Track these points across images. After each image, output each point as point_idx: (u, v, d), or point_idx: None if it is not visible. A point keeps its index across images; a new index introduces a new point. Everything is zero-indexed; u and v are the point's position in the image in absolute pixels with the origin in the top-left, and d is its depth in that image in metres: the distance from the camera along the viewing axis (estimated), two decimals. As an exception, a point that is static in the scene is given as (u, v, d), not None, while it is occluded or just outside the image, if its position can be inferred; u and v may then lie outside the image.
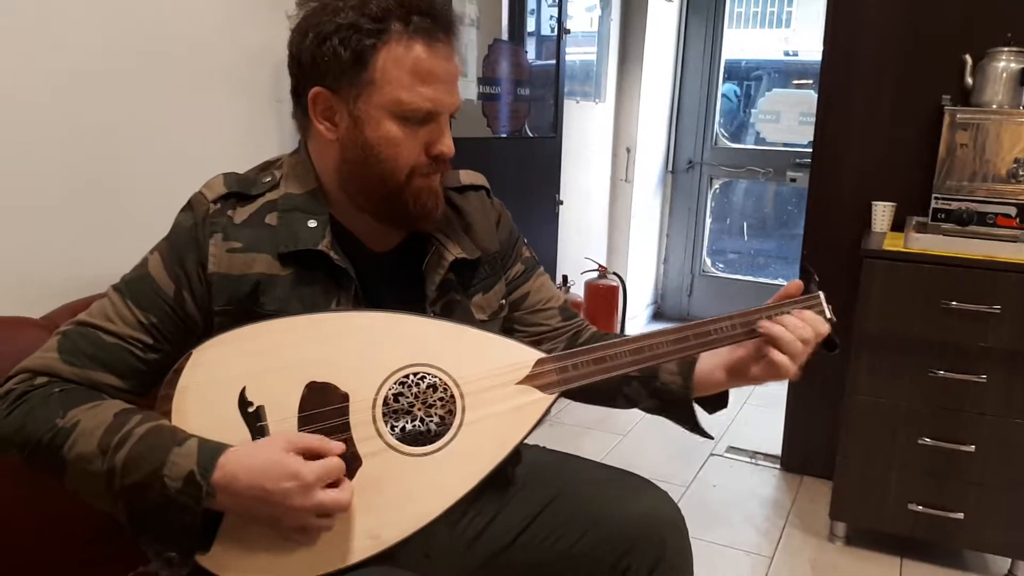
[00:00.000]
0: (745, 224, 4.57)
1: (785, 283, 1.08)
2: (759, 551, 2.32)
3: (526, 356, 1.02)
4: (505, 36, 2.80)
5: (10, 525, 1.11)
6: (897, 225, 2.37)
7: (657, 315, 4.65)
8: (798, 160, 4.03)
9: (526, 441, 1.02)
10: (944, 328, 2.05)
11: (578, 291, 3.66)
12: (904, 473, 2.16)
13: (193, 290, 1.00)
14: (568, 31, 3.13)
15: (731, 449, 2.99)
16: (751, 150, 4.31)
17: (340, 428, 0.94)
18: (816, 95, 2.57)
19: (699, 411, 1.14)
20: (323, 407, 0.94)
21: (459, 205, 1.16)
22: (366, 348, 0.98)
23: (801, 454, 2.78)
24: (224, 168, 1.08)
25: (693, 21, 4.26)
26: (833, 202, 2.54)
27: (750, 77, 4.39)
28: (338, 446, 0.90)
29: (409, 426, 0.97)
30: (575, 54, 3.56)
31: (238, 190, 1.04)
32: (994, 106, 2.14)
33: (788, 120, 4.26)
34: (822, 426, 2.64)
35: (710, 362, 1.11)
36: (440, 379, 0.99)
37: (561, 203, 3.24)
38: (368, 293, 1.04)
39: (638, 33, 3.92)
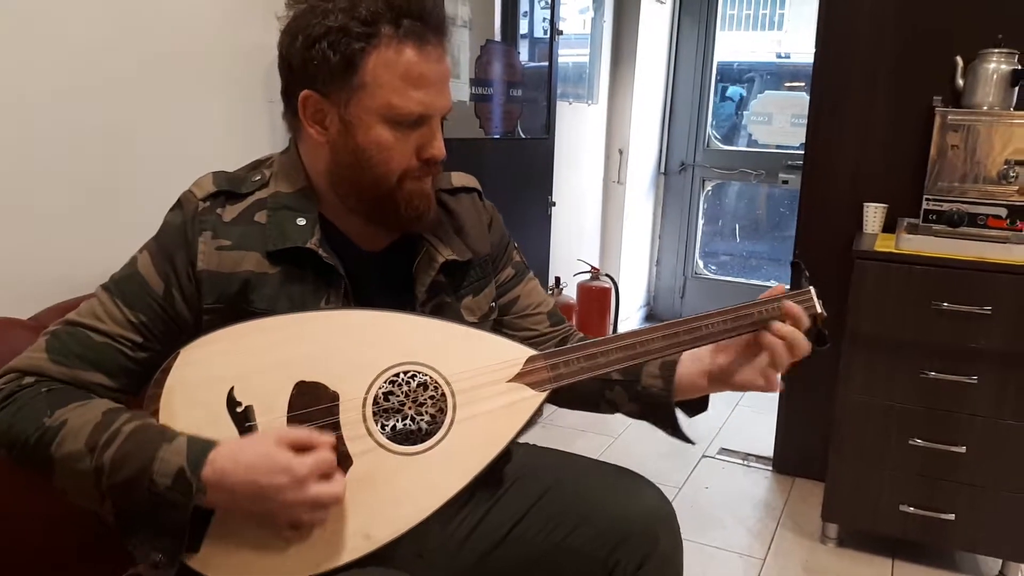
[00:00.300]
0: (737, 226, 4.58)
1: (776, 285, 1.08)
2: (751, 553, 2.32)
3: (517, 353, 1.02)
4: (498, 37, 2.80)
5: (10, 525, 1.10)
6: (888, 226, 2.38)
7: (650, 317, 4.66)
8: (790, 162, 4.04)
9: (518, 441, 1.02)
10: (935, 329, 2.05)
11: (570, 293, 3.66)
12: (896, 474, 2.16)
13: (183, 288, 0.99)
14: (561, 33, 3.13)
15: (723, 451, 2.99)
16: (743, 152, 4.32)
17: (330, 427, 0.94)
18: (808, 97, 2.58)
19: (682, 416, 1.13)
20: (312, 406, 0.94)
21: (451, 207, 1.15)
22: (356, 347, 0.97)
23: (793, 456, 2.78)
24: (217, 168, 1.08)
25: (685, 23, 4.27)
26: (825, 204, 2.55)
27: (742, 79, 4.40)
28: (329, 438, 0.90)
29: (400, 425, 0.97)
30: (568, 56, 3.57)
31: (228, 188, 1.03)
32: (985, 108, 2.14)
33: (780, 122, 4.27)
34: (814, 428, 2.64)
35: (692, 367, 1.10)
36: (431, 377, 0.98)
37: (554, 204, 3.24)
38: (358, 292, 1.04)
39: (631, 35, 3.92)
